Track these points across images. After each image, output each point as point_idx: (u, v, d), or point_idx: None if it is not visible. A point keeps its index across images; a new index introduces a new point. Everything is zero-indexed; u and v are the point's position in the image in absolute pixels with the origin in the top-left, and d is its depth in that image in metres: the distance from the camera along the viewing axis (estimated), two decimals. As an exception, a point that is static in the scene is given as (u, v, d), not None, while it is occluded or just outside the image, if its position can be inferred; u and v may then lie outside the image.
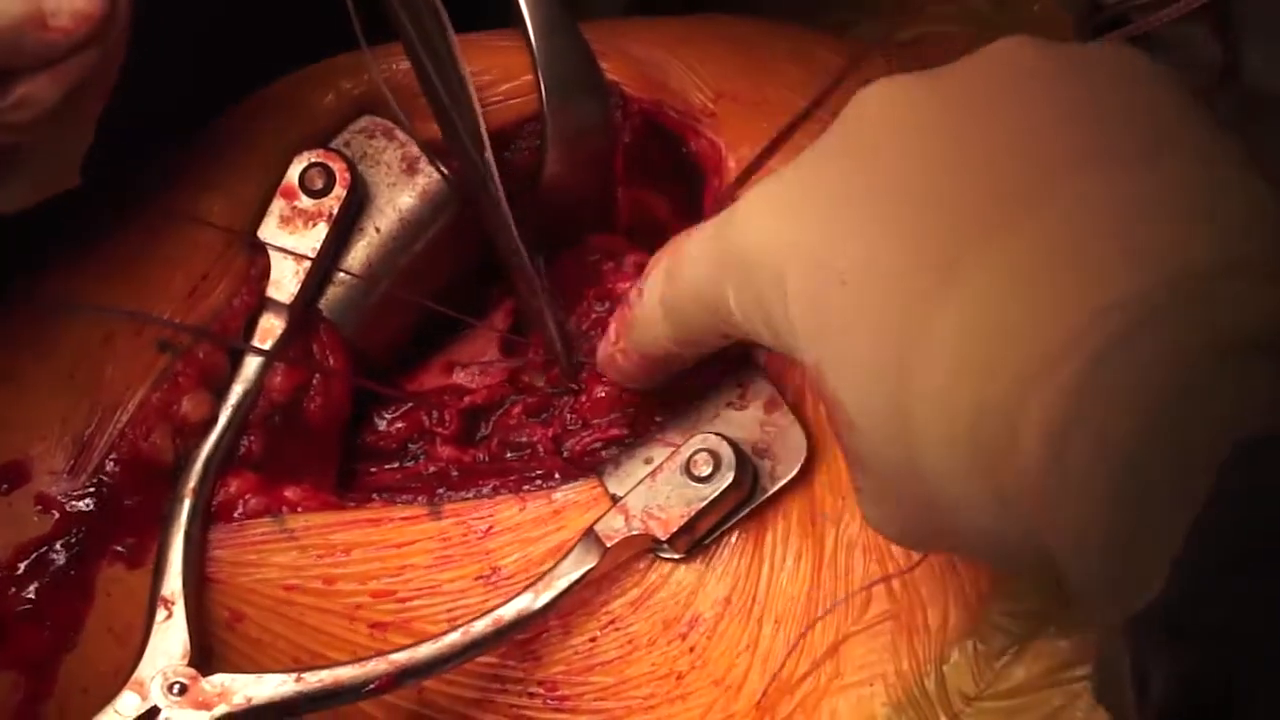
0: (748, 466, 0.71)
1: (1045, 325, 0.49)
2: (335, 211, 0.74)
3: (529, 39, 0.77)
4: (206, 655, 0.70)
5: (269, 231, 0.74)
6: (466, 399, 0.80)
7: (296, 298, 0.74)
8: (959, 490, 0.52)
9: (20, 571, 0.70)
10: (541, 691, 0.72)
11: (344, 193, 0.74)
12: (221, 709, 0.67)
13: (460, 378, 0.81)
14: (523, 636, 0.71)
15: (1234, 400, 0.43)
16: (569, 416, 0.77)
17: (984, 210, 0.52)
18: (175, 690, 0.67)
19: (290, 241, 0.74)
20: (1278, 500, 0.39)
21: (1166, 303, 0.47)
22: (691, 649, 0.72)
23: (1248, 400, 0.43)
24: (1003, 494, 0.51)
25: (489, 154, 0.74)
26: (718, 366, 0.73)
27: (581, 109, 0.78)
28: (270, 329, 0.74)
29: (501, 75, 0.78)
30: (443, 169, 0.77)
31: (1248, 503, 0.40)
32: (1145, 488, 0.43)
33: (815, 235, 0.56)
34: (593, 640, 0.72)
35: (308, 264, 0.74)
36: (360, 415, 0.79)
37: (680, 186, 0.81)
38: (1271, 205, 0.51)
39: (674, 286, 0.65)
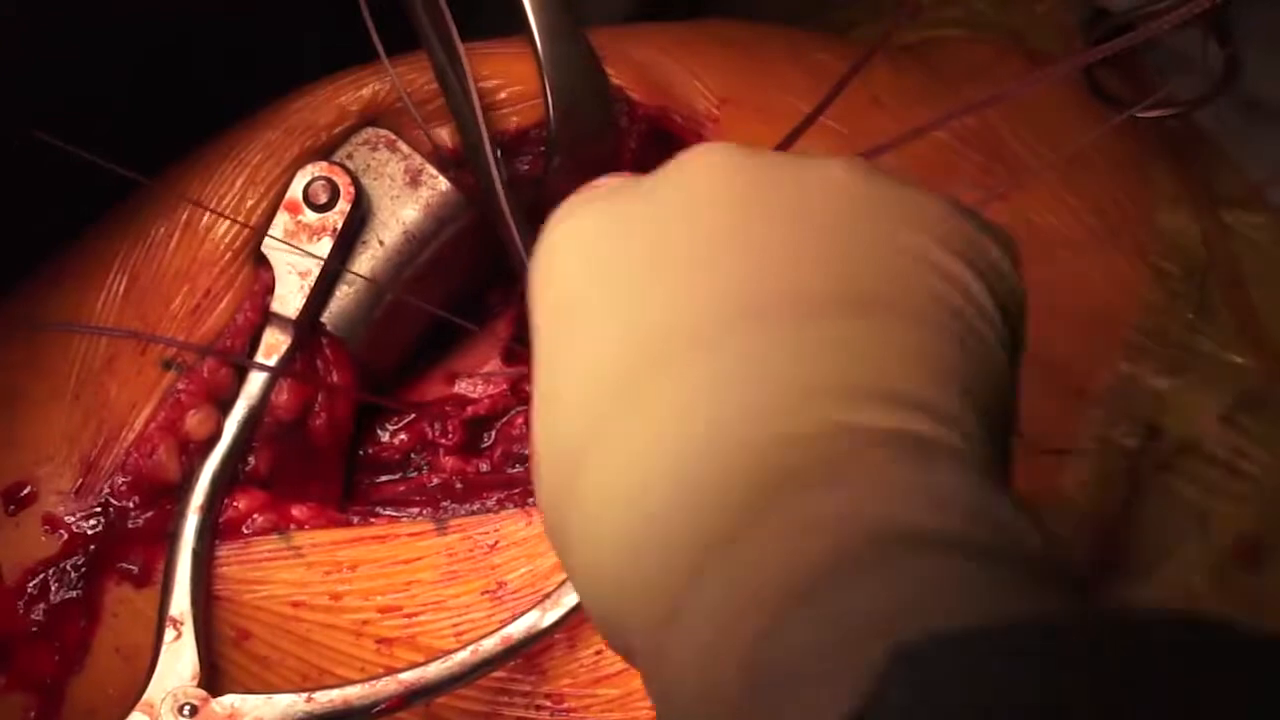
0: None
1: (695, 481, 0.47)
2: (340, 225, 0.74)
3: (535, 46, 0.76)
4: (215, 674, 0.70)
5: (273, 246, 0.74)
6: (469, 409, 0.79)
7: (301, 312, 0.73)
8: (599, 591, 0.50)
9: (28, 592, 0.70)
10: (549, 704, 0.72)
11: (348, 206, 0.74)
12: (231, 730, 0.67)
13: (462, 388, 0.80)
14: (529, 650, 0.71)
15: (890, 597, 0.40)
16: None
17: (683, 331, 0.49)
18: (185, 712, 0.67)
19: (295, 256, 0.74)
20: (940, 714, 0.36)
21: (818, 475, 0.45)
22: (697, 661, 0.72)
23: (904, 598, 0.40)
24: (631, 637, 0.49)
25: (496, 165, 0.74)
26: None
27: (588, 115, 0.77)
28: (275, 344, 0.74)
29: (506, 82, 0.77)
30: (450, 180, 0.76)
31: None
32: (787, 677, 0.40)
33: (582, 275, 0.53)
34: (599, 653, 0.72)
35: (312, 278, 0.74)
36: (363, 427, 0.79)
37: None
38: (943, 355, 0.48)
39: None
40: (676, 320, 0.49)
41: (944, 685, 0.36)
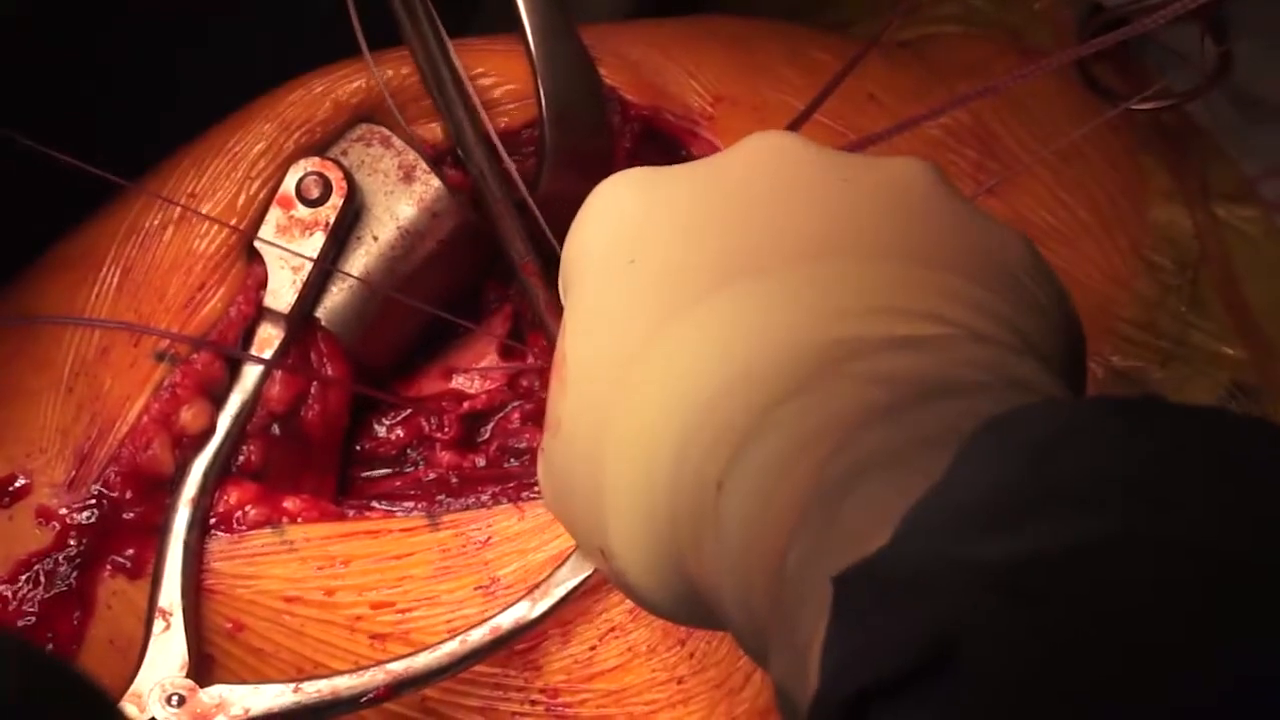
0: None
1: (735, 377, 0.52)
2: (332, 220, 0.74)
3: (528, 45, 0.76)
4: (206, 665, 0.70)
5: (266, 240, 0.74)
6: (466, 404, 0.80)
7: (294, 307, 0.74)
8: (620, 498, 0.54)
9: (21, 584, 0.70)
10: (543, 699, 0.72)
11: (341, 201, 0.74)
12: (220, 720, 0.67)
13: (460, 383, 0.81)
14: (523, 645, 0.71)
15: (957, 411, 0.44)
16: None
17: (735, 268, 0.54)
18: (173, 702, 0.67)
19: (288, 251, 0.74)
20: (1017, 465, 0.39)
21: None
22: (691, 655, 0.72)
23: (974, 410, 0.43)
24: (661, 527, 0.54)
25: (489, 162, 0.74)
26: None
27: (581, 116, 0.78)
28: (268, 338, 0.74)
29: (500, 80, 0.78)
30: (442, 176, 0.77)
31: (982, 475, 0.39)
32: (853, 478, 0.44)
33: (640, 213, 0.58)
34: (593, 648, 0.72)
35: (305, 273, 0.74)
36: (359, 422, 0.79)
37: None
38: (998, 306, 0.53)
39: None
40: (741, 249, 0.55)
41: (1025, 427, 0.40)
